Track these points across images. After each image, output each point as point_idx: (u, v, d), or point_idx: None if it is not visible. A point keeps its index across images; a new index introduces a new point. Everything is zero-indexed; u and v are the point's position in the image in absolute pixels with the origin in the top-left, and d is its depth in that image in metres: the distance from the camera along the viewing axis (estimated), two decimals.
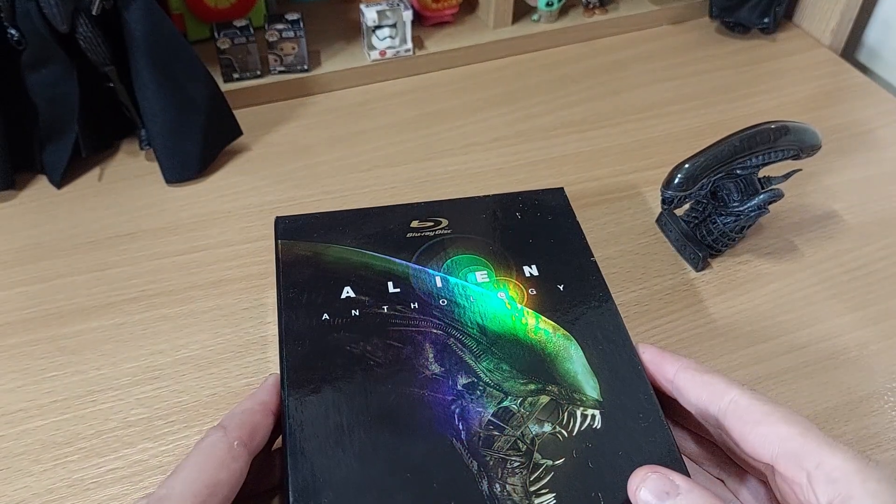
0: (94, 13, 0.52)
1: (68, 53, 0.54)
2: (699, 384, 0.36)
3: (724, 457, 0.39)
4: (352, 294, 0.43)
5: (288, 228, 0.47)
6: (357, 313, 0.42)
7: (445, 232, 0.47)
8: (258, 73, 0.67)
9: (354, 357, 0.40)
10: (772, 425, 0.32)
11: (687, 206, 0.55)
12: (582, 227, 0.49)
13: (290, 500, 0.34)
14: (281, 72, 0.68)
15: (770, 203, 0.51)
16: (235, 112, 0.62)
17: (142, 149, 0.61)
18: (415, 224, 0.47)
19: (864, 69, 0.77)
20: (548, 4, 0.74)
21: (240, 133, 0.62)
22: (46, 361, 0.47)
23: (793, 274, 0.54)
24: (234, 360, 0.47)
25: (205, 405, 0.45)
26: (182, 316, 0.50)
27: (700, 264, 0.53)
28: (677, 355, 0.38)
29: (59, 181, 0.59)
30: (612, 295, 0.45)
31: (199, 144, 0.59)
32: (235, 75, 0.67)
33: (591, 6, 0.77)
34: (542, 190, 0.51)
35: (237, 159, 0.62)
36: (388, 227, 0.47)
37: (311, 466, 0.35)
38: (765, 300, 0.52)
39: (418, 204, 0.49)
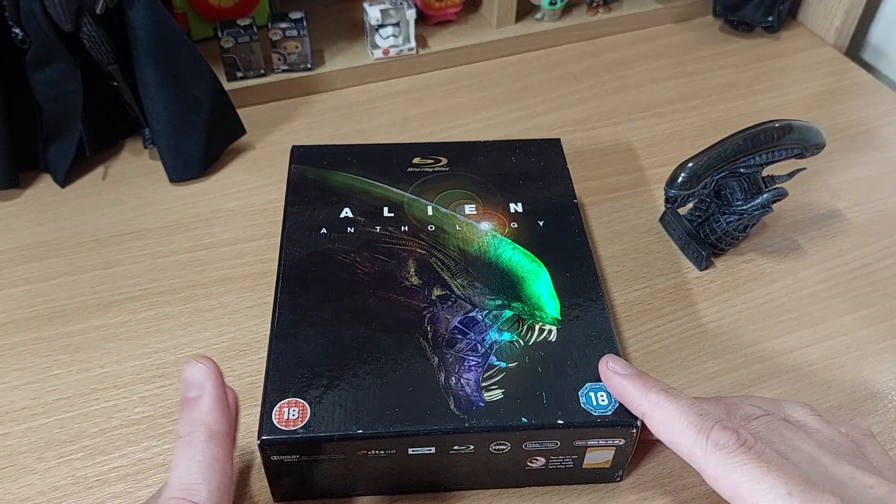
0: (97, 12, 0.52)
1: (72, 52, 0.54)
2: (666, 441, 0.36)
3: None
4: (350, 214, 0.48)
5: (302, 156, 0.52)
6: (352, 230, 0.47)
7: (444, 169, 0.52)
8: (261, 71, 0.67)
9: (344, 265, 0.45)
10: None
11: (690, 205, 0.55)
12: (583, 218, 0.50)
13: (269, 373, 0.39)
14: (284, 71, 0.68)
15: (774, 202, 0.51)
16: (239, 111, 0.62)
17: (145, 147, 0.61)
18: (416, 160, 0.52)
19: (868, 67, 0.77)
20: (551, 3, 0.74)
21: (243, 132, 0.63)
22: (51, 359, 0.48)
23: (796, 273, 0.54)
24: (237, 359, 0.48)
25: None
26: (185, 314, 0.50)
27: (703, 263, 0.53)
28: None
29: (63, 180, 0.59)
30: (614, 291, 0.47)
31: (203, 143, 0.59)
32: (239, 74, 0.67)
33: (594, 5, 0.77)
34: (540, 139, 0.55)
35: (241, 158, 0.62)
36: (392, 161, 0.52)
37: (292, 348, 0.41)
38: (768, 299, 0.52)
39: (422, 143, 0.54)
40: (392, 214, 0.48)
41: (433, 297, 0.43)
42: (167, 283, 0.52)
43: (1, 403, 0.45)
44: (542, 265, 0.45)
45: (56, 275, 0.53)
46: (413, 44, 0.70)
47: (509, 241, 0.47)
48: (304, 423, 0.37)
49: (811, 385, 0.47)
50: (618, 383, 0.38)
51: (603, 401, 0.38)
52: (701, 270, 0.54)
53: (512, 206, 0.49)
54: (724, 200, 0.52)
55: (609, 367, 0.39)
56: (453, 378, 0.39)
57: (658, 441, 0.43)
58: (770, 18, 0.75)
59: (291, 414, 0.37)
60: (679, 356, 0.48)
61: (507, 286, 0.44)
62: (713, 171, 0.49)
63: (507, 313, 0.42)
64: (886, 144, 0.65)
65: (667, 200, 0.51)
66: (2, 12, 0.52)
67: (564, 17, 0.76)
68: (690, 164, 0.49)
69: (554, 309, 0.43)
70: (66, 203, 0.58)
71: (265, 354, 0.41)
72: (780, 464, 0.32)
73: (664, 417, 0.35)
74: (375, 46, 0.70)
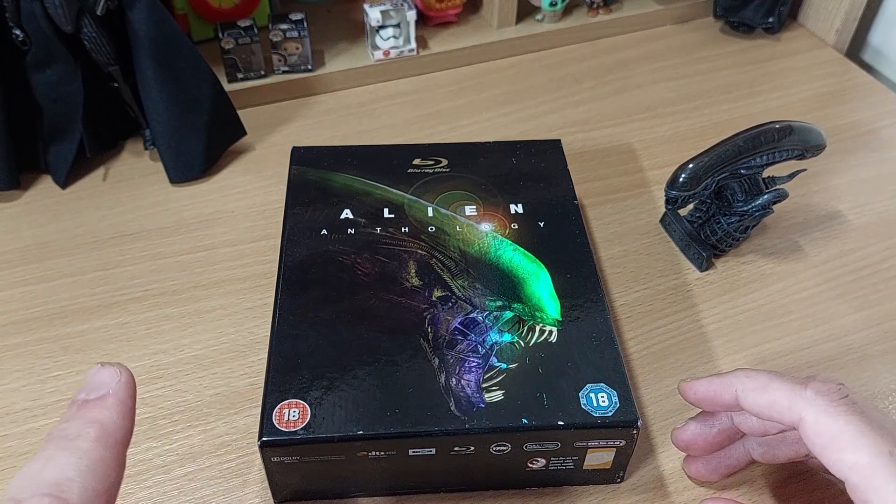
0: (98, 13, 0.52)
1: (73, 54, 0.54)
2: (763, 405, 0.36)
3: None
4: (350, 215, 0.48)
5: (302, 157, 0.52)
6: (352, 231, 0.47)
7: (444, 170, 0.52)
8: (262, 73, 0.67)
9: (344, 266, 0.45)
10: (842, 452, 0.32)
11: (691, 206, 0.55)
12: (584, 219, 0.50)
13: (269, 374, 0.39)
14: (285, 72, 0.68)
15: (774, 203, 0.51)
16: (239, 112, 0.62)
17: (146, 148, 0.61)
18: (416, 161, 0.52)
19: (868, 69, 0.77)
20: (551, 4, 0.74)
21: (243, 133, 0.63)
22: (51, 361, 0.47)
23: (797, 274, 0.54)
24: (237, 360, 0.48)
25: (208, 405, 0.45)
26: (185, 315, 0.50)
27: (704, 264, 0.53)
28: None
29: (64, 181, 0.59)
30: (615, 292, 0.47)
31: (203, 144, 0.59)
32: (239, 75, 0.67)
33: (594, 6, 0.77)
34: (540, 140, 0.55)
35: (241, 159, 0.62)
36: (393, 162, 0.52)
37: (293, 348, 0.41)
38: (769, 300, 0.52)
39: (423, 144, 0.54)
40: (392, 215, 0.48)
41: (434, 299, 0.43)
42: (167, 285, 0.52)
43: (1, 405, 0.45)
44: (543, 266, 0.45)
45: (56, 276, 0.53)
46: (413, 45, 0.70)
47: (510, 242, 0.47)
48: (304, 424, 0.37)
49: None
50: (701, 381, 0.38)
51: (603, 402, 0.38)
52: (701, 272, 0.54)
53: (512, 208, 0.49)
54: (724, 201, 0.52)
55: (687, 380, 0.39)
56: (454, 379, 0.39)
57: (665, 444, 0.43)
58: (770, 20, 0.75)
59: (292, 415, 0.37)
60: (680, 357, 0.48)
61: (508, 287, 0.44)
62: (714, 172, 0.49)
63: (508, 314, 0.42)
64: (887, 146, 0.65)
65: (667, 201, 0.51)
66: (2, 13, 0.52)
67: (565, 19, 0.76)
68: (691, 166, 0.49)
69: (554, 310, 0.43)
70: (67, 204, 0.58)
71: (265, 356, 0.41)
72: (880, 425, 0.32)
73: (756, 383, 0.35)
74: (376, 47, 0.70)
